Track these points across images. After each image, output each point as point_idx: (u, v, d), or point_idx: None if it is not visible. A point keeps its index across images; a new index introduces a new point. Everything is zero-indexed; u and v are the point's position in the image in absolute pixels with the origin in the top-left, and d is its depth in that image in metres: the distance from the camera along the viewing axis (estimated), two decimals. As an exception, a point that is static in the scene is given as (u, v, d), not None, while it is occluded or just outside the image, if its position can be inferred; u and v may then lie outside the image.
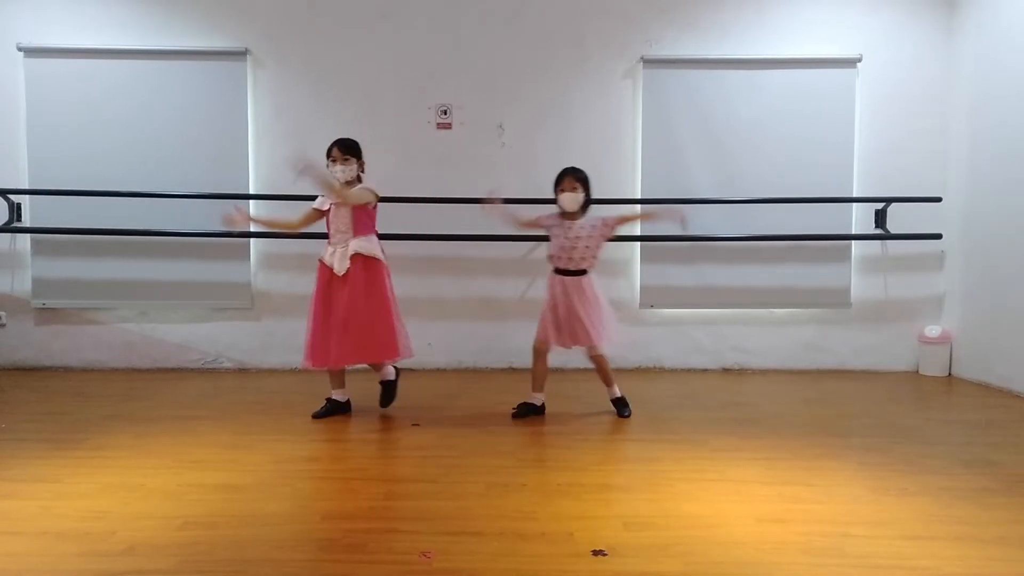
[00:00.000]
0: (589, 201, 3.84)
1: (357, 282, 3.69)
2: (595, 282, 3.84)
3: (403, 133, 5.18)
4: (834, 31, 5.21)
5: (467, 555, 2.20)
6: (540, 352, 3.89)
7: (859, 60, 5.17)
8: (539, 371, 3.91)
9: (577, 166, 3.86)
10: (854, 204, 5.22)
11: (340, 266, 3.69)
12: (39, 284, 5.11)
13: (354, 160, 3.79)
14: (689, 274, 5.19)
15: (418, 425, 3.73)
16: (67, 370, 5.12)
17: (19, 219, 5.06)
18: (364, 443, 3.42)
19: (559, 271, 3.82)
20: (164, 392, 4.50)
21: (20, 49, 5.02)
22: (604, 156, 5.20)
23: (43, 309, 5.14)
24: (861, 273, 5.30)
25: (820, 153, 5.16)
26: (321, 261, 3.80)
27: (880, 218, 5.21)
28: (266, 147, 5.19)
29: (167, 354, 5.21)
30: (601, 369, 3.94)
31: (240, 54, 5.10)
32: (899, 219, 5.19)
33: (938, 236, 5.17)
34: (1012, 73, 4.63)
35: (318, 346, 3.72)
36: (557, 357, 5.30)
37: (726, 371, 5.29)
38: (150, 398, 4.32)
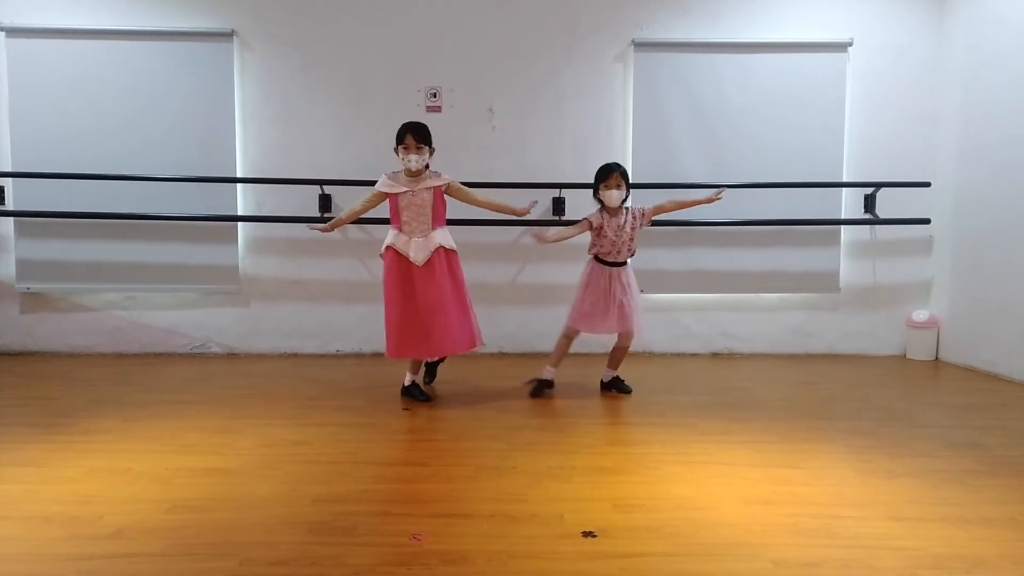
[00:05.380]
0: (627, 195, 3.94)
1: (444, 275, 3.72)
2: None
3: (392, 116, 5.08)
4: (825, 15, 5.20)
5: (458, 537, 2.21)
6: (570, 337, 4.01)
7: (850, 44, 5.16)
8: (563, 350, 4.02)
9: (619, 162, 3.95)
10: (844, 189, 5.23)
11: (419, 256, 3.67)
12: (23, 268, 5.05)
13: (427, 148, 3.70)
14: (679, 259, 5.19)
15: (408, 409, 3.73)
16: (53, 355, 5.08)
17: (2, 202, 5.00)
18: (354, 427, 3.41)
19: (603, 262, 3.90)
20: (152, 377, 4.47)
21: (1, 29, 4.93)
22: (595, 140, 5.20)
23: (28, 294, 5.09)
24: (850, 258, 5.32)
25: (810, 137, 5.17)
26: (392, 248, 3.71)
27: (869, 203, 5.23)
28: (253, 130, 5.13)
29: (155, 339, 5.18)
30: (624, 353, 4.08)
31: (227, 35, 5.03)
32: (888, 204, 5.21)
33: (927, 221, 5.20)
34: (1003, 59, 4.63)
35: (405, 336, 3.71)
36: (540, 341, 5.31)
37: (715, 356, 5.30)
38: (137, 383, 4.29)
